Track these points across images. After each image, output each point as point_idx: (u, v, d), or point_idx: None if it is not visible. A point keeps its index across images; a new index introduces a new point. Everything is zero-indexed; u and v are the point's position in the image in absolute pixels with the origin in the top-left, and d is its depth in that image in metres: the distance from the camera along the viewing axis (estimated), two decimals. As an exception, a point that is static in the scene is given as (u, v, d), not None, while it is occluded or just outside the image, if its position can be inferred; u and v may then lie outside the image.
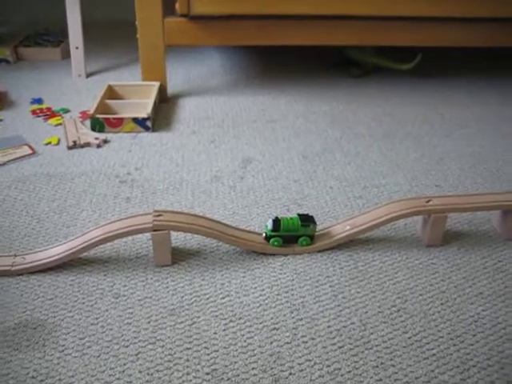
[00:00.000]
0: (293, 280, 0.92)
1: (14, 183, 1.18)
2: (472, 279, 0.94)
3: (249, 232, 0.98)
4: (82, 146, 1.32)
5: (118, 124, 1.38)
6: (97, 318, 0.85)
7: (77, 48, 1.72)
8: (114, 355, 0.78)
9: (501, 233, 1.04)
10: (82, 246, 0.92)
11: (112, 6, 2.22)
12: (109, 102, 1.46)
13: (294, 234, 0.96)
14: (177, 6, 1.45)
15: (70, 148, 1.32)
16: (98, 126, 1.38)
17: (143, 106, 1.43)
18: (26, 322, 0.84)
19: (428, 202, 0.99)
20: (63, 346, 0.80)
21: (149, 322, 0.84)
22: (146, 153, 1.30)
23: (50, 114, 1.50)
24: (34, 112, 1.51)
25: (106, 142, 1.34)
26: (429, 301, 0.89)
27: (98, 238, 0.91)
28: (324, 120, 1.50)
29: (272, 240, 0.96)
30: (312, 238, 0.97)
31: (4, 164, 1.26)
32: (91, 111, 1.39)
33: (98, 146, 1.32)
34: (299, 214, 0.98)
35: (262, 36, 1.52)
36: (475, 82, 1.77)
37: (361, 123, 1.49)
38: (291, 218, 0.97)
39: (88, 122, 1.42)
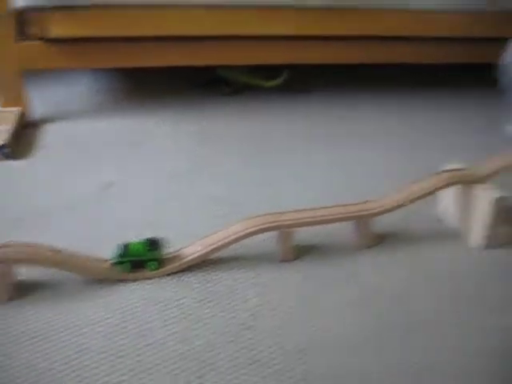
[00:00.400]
0: (141, 306, 0.90)
1: None
2: (323, 291, 0.95)
3: (96, 259, 0.95)
4: None
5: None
6: None
7: None
8: None
9: (355, 242, 1.06)
10: None
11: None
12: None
13: (141, 259, 0.94)
14: (32, 29, 1.41)
15: None
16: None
17: (1, 134, 1.36)
18: None
19: (280, 217, 1.00)
20: None
21: None
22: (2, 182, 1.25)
23: None
24: None
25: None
26: (279, 316, 0.89)
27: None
28: (192, 139, 1.49)
29: (120, 266, 0.94)
30: (160, 262, 0.95)
31: None
32: None
33: None
34: (148, 238, 0.96)
35: (123, 58, 1.50)
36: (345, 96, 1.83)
37: (230, 141, 1.49)
38: (139, 243, 0.94)
39: None
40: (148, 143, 1.46)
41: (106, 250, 0.95)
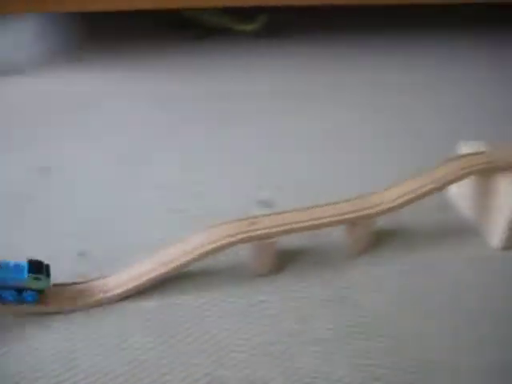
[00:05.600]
0: (76, 346, 0.69)
1: None
2: (310, 320, 0.74)
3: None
4: None
5: None
6: None
7: None
8: None
9: (349, 247, 0.86)
10: None
11: None
12: None
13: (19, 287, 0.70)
14: None
15: None
16: None
17: None
18: None
19: (253, 225, 0.78)
20: None
21: None
22: None
23: None
24: None
25: None
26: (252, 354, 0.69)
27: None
28: (148, 102, 1.24)
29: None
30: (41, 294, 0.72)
31: None
32: None
33: None
34: (30, 261, 0.71)
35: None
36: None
37: (191, 105, 1.24)
38: (16, 264, 0.70)
39: None
40: (96, 108, 1.21)
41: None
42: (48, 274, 0.71)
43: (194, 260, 0.77)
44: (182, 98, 1.26)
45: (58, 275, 0.73)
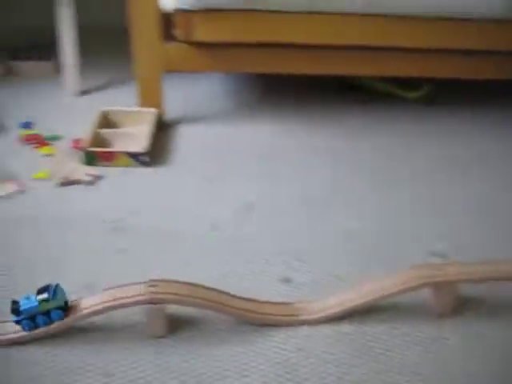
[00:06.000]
0: (296, 357, 0.86)
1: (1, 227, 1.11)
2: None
3: (248, 300, 0.91)
4: (73, 183, 1.25)
5: (110, 158, 1.30)
6: (84, 403, 0.78)
7: (70, 66, 1.64)
8: None
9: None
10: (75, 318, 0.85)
11: (109, 10, 2.11)
12: (102, 131, 1.38)
13: (40, 312, 0.84)
14: (177, 32, 1.38)
15: (60, 185, 1.24)
16: (89, 159, 1.30)
17: (140, 137, 1.36)
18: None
19: (442, 270, 0.93)
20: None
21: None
22: (140, 194, 1.24)
23: (40, 142, 1.42)
24: (23, 139, 1.44)
25: (98, 178, 1.27)
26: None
27: (91, 310, 0.85)
28: (320, 155, 1.42)
29: (23, 324, 0.85)
30: (65, 309, 0.86)
31: (-13, 203, 1.18)
32: (83, 143, 1.32)
33: (89, 183, 1.25)
34: (38, 289, 0.86)
35: (263, 64, 1.46)
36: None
37: (364, 160, 1.41)
38: (27, 298, 0.85)
39: (80, 153, 1.34)
40: (281, 157, 1.40)
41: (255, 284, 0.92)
42: (55, 293, 0.84)
43: (388, 296, 0.92)
44: (348, 152, 1.43)
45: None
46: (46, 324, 0.85)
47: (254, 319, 0.90)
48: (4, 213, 1.16)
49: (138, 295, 0.85)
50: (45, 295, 0.84)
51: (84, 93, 1.69)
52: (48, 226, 1.12)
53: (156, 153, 1.37)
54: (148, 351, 0.86)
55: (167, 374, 0.82)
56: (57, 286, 0.86)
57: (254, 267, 1.04)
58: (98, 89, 1.72)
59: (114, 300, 0.85)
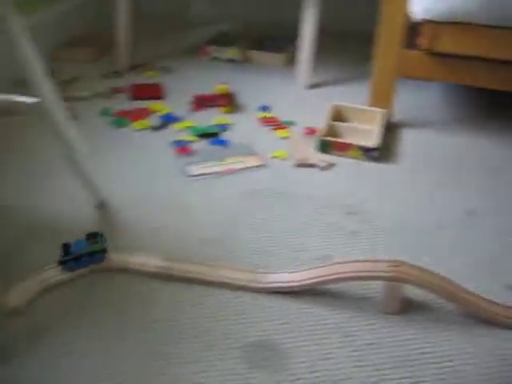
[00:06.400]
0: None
1: (248, 195, 1.27)
2: None
3: (483, 299, 0.98)
4: (308, 166, 1.38)
5: (344, 148, 1.42)
6: (327, 354, 0.90)
7: (305, 60, 1.78)
8: (345, 397, 0.83)
9: None
10: (316, 280, 0.98)
11: (347, 14, 2.24)
12: (336, 123, 1.51)
13: (85, 253, 1.01)
14: (421, 40, 1.46)
15: (297, 166, 1.38)
16: (324, 147, 1.43)
17: (370, 134, 1.46)
18: (263, 342, 0.91)
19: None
20: (295, 375, 0.86)
21: (376, 370, 0.88)
22: (370, 185, 1.34)
23: (277, 124, 1.58)
24: (261, 120, 1.60)
25: (330, 165, 1.39)
26: None
27: (332, 277, 0.97)
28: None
29: (66, 265, 1.01)
30: (105, 251, 1.03)
31: (237, 172, 1.35)
32: (319, 132, 1.45)
33: (323, 168, 1.37)
34: (88, 233, 1.04)
35: (498, 79, 1.48)
36: None
37: None
38: (77, 242, 1.03)
39: (313, 140, 1.47)
40: (504, 170, 1.43)
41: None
42: (101, 239, 1.04)
43: None
44: None
45: None
46: (89, 265, 1.02)
47: (490, 317, 0.97)
48: (251, 183, 1.32)
49: (382, 271, 0.95)
50: (95, 239, 1.03)
51: (314, 86, 1.83)
52: (287, 200, 1.26)
53: (382, 151, 1.46)
54: (380, 323, 0.96)
55: (397, 347, 0.91)
56: (102, 234, 1.05)
57: (479, 270, 1.09)
58: (327, 84, 1.85)
59: (359, 272, 0.96)
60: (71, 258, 1.01)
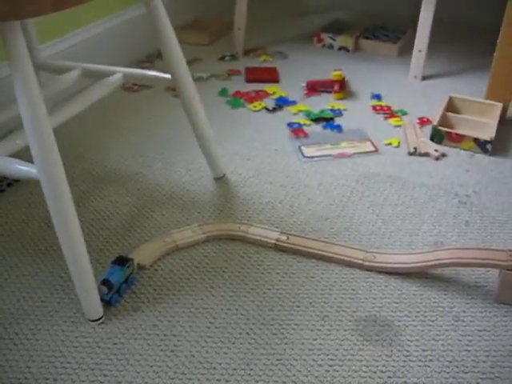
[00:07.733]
0: None
1: (361, 178, 1.30)
2: None
3: None
4: (421, 155, 1.39)
5: (458, 140, 1.42)
6: (437, 335, 0.92)
7: (420, 51, 1.78)
8: (453, 377, 0.85)
9: None
10: (435, 263, 0.99)
11: (462, 4, 2.22)
12: (449, 114, 1.50)
13: (123, 281, 0.98)
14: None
15: (410, 154, 1.40)
16: (437, 137, 1.43)
17: (484, 127, 1.45)
18: (375, 318, 0.95)
19: None
20: (407, 351, 0.89)
21: (487, 356, 0.89)
22: (483, 176, 1.33)
23: (389, 113, 1.60)
24: (374, 108, 1.62)
25: (443, 155, 1.40)
26: None
27: (451, 261, 0.98)
28: None
29: (111, 301, 0.96)
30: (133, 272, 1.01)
31: (351, 156, 1.38)
32: (434, 122, 1.45)
33: (437, 158, 1.38)
34: (114, 261, 0.98)
35: None
36: None
37: None
38: (109, 273, 0.96)
39: (426, 130, 1.48)
40: None
41: None
42: (133, 262, 1.00)
43: None
44: None
45: None
46: (126, 291, 0.99)
47: None
48: (364, 167, 1.35)
49: (498, 260, 0.95)
50: (127, 263, 0.98)
51: (427, 77, 1.82)
52: (399, 186, 1.28)
53: (496, 143, 1.44)
54: (492, 311, 0.96)
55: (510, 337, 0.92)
56: (132, 258, 1.01)
57: None
58: (440, 76, 1.84)
59: (481, 259, 0.97)
60: (114, 292, 0.96)
